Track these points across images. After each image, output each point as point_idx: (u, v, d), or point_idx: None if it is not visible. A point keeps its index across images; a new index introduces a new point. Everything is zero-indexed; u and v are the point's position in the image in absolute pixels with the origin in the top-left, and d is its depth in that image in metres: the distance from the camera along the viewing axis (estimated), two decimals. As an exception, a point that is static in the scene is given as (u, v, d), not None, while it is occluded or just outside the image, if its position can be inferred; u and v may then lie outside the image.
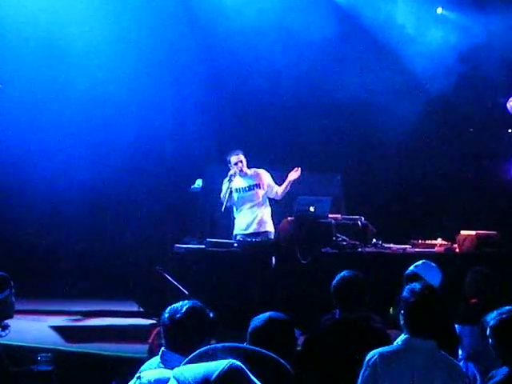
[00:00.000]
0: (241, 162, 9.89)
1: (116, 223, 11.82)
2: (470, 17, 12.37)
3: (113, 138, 11.40)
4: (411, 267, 6.21)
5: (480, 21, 12.27)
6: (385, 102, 12.21)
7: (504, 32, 11.99)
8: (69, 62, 11.13)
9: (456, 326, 6.41)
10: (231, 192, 9.84)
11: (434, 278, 6.03)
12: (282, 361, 1.90)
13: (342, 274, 5.39)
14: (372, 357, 4.29)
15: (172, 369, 3.95)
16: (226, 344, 1.95)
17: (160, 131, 11.53)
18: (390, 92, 12.17)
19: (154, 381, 2.56)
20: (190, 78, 11.44)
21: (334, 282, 5.34)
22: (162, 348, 4.06)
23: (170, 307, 4.12)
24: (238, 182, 9.99)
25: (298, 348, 4.90)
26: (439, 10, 12.73)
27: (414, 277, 6.11)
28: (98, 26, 11.05)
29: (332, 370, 4.95)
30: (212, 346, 1.93)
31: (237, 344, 1.96)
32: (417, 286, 4.44)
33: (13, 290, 5.58)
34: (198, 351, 1.92)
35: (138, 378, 2.58)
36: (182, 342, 4.04)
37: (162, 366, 3.96)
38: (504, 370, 4.21)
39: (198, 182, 11.35)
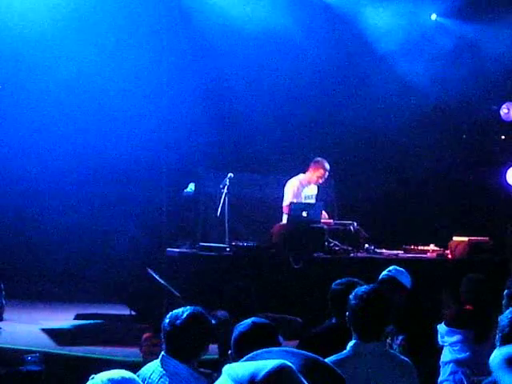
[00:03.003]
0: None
1: (108, 227, 11.78)
2: (463, 23, 12.39)
3: (106, 142, 11.39)
4: (385, 272, 6.38)
5: (473, 27, 12.30)
6: (378, 109, 12.23)
7: (498, 39, 12.02)
8: (65, 67, 11.12)
9: (447, 328, 6.40)
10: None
11: (407, 281, 6.36)
12: (338, 371, 1.88)
13: (337, 281, 5.26)
14: None
15: (172, 373, 3.95)
16: (284, 348, 1.92)
17: (153, 135, 11.52)
18: (384, 99, 12.18)
19: (108, 380, 2.54)
20: (184, 84, 11.44)
21: (332, 289, 5.22)
22: (162, 352, 4.06)
23: (171, 313, 4.12)
24: (311, 189, 10.43)
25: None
26: (433, 17, 12.75)
27: (390, 280, 6.24)
28: (94, 37, 11.08)
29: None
30: (268, 348, 1.91)
31: (295, 349, 1.94)
32: (360, 289, 4.33)
33: (3, 293, 5.58)
34: (253, 353, 1.90)
35: (92, 378, 2.55)
36: (181, 347, 4.03)
37: (162, 370, 3.98)
38: None
39: (191, 186, 11.34)
